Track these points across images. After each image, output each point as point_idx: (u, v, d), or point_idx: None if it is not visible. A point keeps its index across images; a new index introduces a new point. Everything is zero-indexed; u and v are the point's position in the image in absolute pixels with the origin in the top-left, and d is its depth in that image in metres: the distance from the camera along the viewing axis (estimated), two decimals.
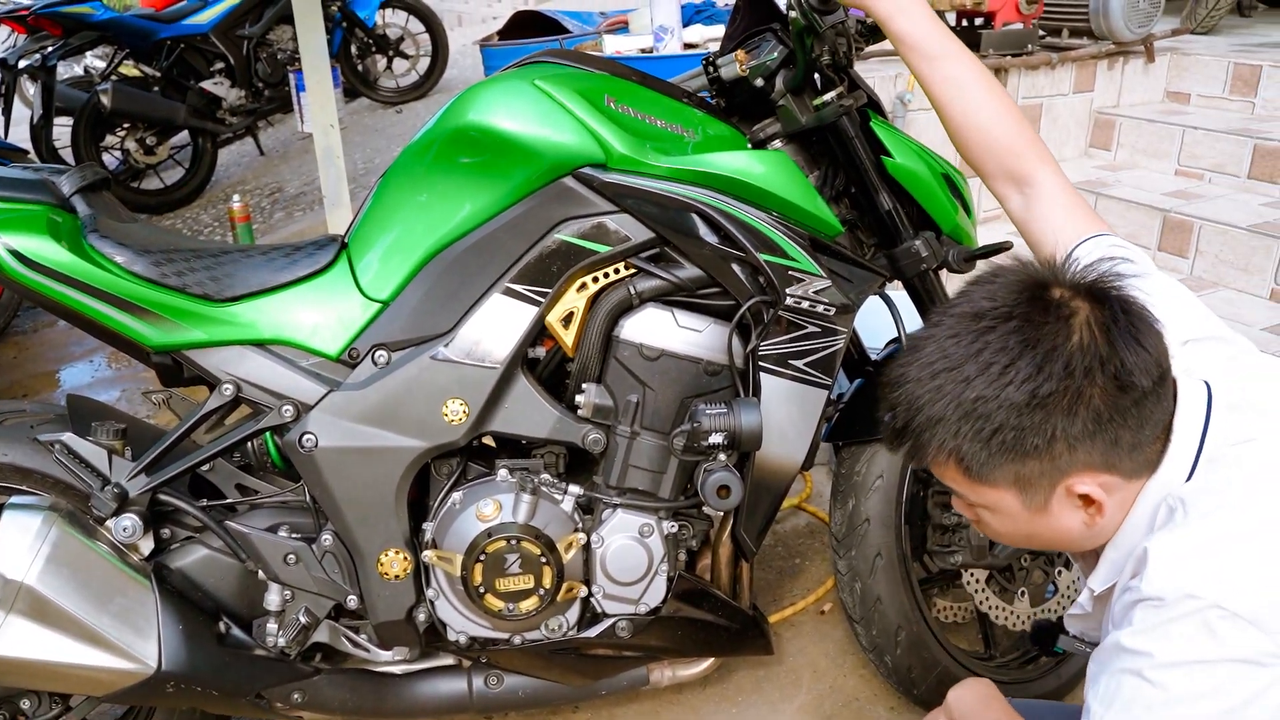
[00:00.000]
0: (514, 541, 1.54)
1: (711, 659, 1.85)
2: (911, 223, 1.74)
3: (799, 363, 1.62)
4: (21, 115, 5.16)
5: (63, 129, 5.10)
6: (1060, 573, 1.99)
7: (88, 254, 1.56)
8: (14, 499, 1.52)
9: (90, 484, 1.56)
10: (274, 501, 1.68)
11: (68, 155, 5.14)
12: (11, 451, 1.64)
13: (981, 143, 1.46)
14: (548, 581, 1.56)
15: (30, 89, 5.22)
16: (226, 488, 1.69)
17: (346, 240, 1.69)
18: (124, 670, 1.52)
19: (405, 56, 6.44)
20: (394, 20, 6.40)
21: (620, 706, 2.05)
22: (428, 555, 1.58)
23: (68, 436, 1.58)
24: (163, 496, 1.61)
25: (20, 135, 5.04)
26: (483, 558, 1.54)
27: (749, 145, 1.68)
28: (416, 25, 6.41)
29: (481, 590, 1.55)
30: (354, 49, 6.13)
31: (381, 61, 6.38)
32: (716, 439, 1.52)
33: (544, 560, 1.55)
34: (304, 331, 1.61)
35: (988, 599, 1.91)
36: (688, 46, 3.71)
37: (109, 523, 1.56)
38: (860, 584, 1.81)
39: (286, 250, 1.69)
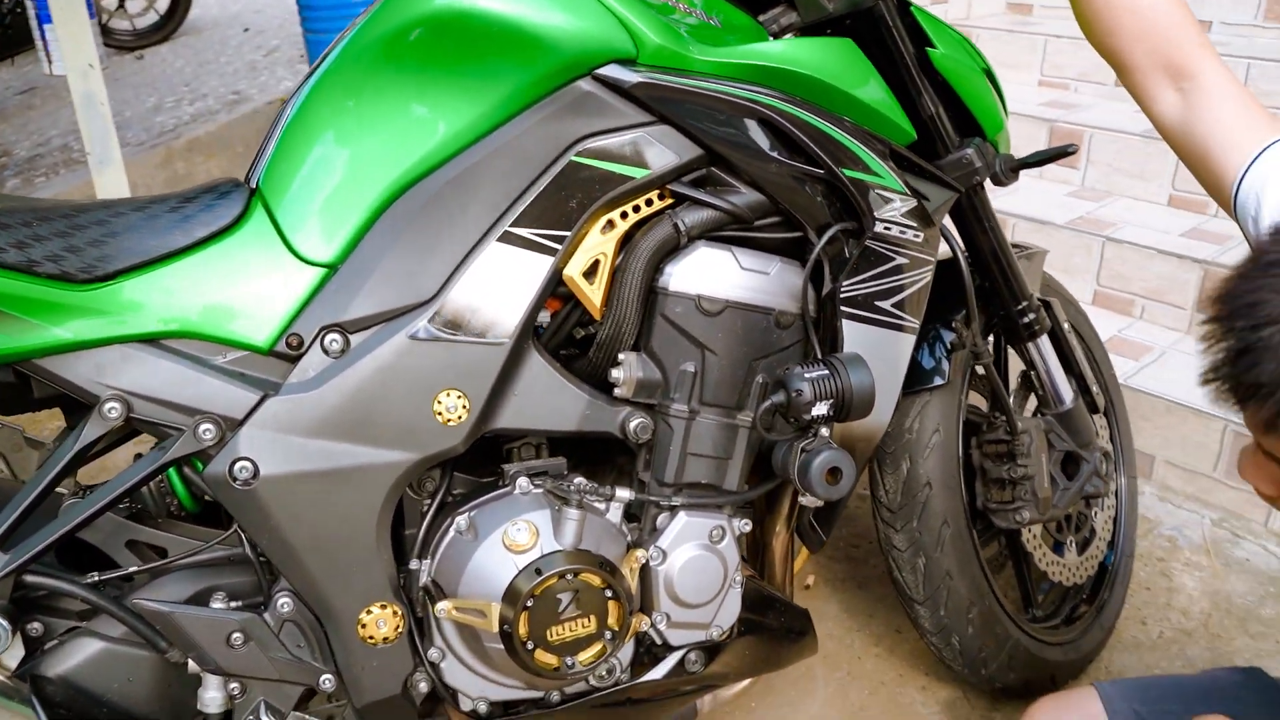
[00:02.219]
0: (571, 575, 1.14)
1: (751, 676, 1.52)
2: (955, 128, 1.46)
3: (886, 303, 1.30)
4: None
5: None
6: (1095, 514, 1.81)
7: None
8: None
9: None
10: (190, 561, 1.19)
11: None
12: None
13: (1134, 24, 1.17)
14: (614, 620, 1.17)
15: None
16: (112, 548, 1.18)
17: (256, 184, 1.20)
18: None
19: None
20: None
21: None
22: (444, 609, 1.15)
23: None
24: (28, 578, 1.09)
25: None
26: (530, 603, 1.13)
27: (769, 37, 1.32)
28: None
29: (530, 646, 1.14)
30: None
31: None
32: (821, 409, 1.18)
33: (609, 593, 1.16)
34: (216, 316, 1.13)
35: (1045, 555, 1.69)
36: None
37: None
38: (924, 559, 1.54)
39: (171, 203, 1.19)
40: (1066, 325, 1.69)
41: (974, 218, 1.52)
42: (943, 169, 1.42)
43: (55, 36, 3.09)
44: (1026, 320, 1.60)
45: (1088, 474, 1.66)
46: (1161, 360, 2.42)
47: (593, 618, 1.16)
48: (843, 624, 1.97)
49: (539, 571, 1.13)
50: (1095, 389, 1.73)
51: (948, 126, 1.44)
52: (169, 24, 5.62)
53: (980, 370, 1.56)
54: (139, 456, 1.16)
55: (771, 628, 1.40)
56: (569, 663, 1.16)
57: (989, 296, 1.58)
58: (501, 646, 1.15)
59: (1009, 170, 1.49)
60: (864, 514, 2.27)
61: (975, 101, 1.46)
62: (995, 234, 1.55)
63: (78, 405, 1.17)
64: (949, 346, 1.54)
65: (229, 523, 1.24)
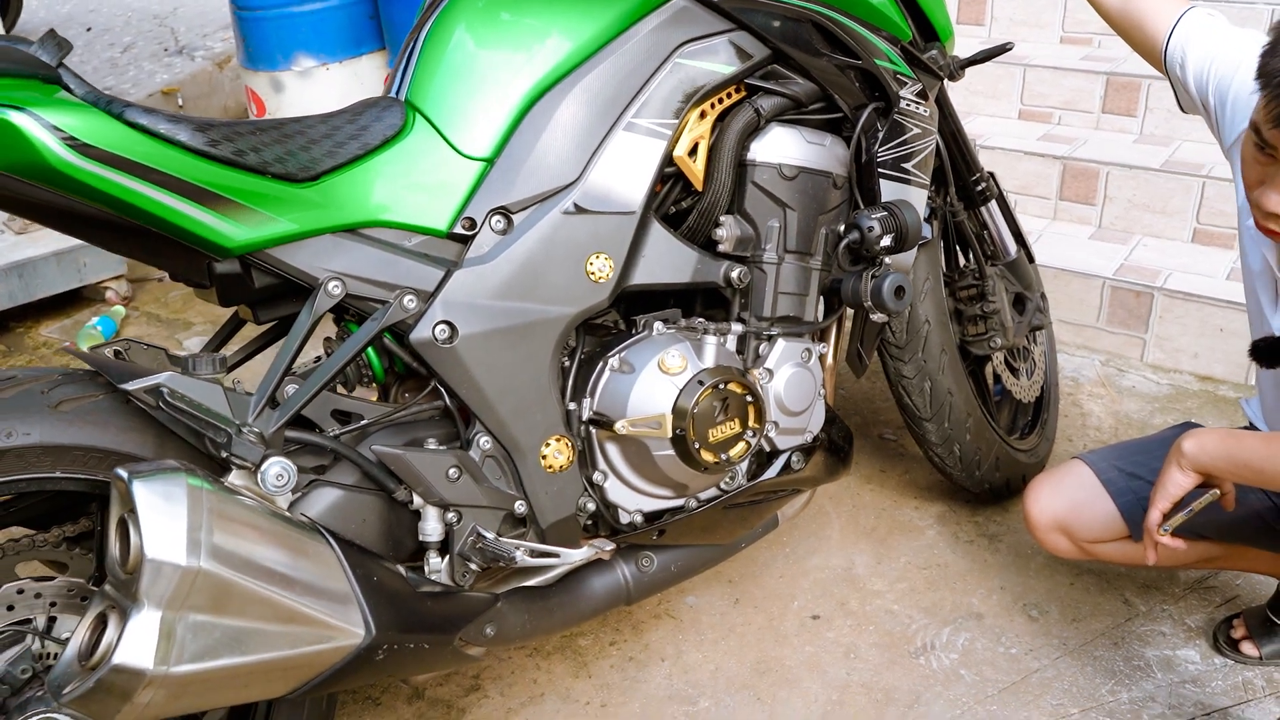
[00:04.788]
0: (723, 384, 1.42)
1: (808, 492, 1.84)
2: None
3: (908, 165, 1.64)
4: None
5: None
6: (1034, 348, 2.22)
7: (145, 133, 1.17)
8: (122, 471, 1.11)
9: (224, 428, 1.20)
10: (398, 418, 1.40)
11: None
12: (35, 428, 1.21)
13: None
14: (753, 420, 1.47)
15: None
16: (320, 416, 1.38)
17: (404, 97, 1.42)
18: (329, 649, 1.20)
19: None
20: None
21: None
22: (622, 426, 1.41)
23: (167, 377, 1.19)
24: (288, 433, 1.28)
25: None
26: (696, 410, 1.41)
27: None
28: None
29: (697, 446, 1.42)
30: None
31: None
32: (887, 241, 1.51)
33: (749, 398, 1.45)
34: (402, 207, 1.35)
35: (1009, 378, 2.09)
36: None
37: (258, 472, 1.21)
38: (930, 383, 1.90)
39: (345, 117, 1.39)
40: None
41: (938, 107, 1.89)
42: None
43: None
44: (980, 188, 1.99)
45: (1032, 309, 2.08)
46: (1041, 240, 2.90)
47: (737, 420, 1.45)
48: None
49: (701, 383, 1.41)
50: (1030, 244, 2.14)
51: (916, 32, 1.79)
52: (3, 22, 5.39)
53: (957, 225, 1.94)
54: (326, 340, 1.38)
55: (834, 440, 1.72)
56: (724, 457, 1.45)
57: (950, 169, 1.96)
58: (670, 452, 1.42)
59: (958, 69, 1.87)
60: None
61: (933, 13, 1.82)
62: (954, 120, 1.92)
63: (284, 295, 1.36)
64: (930, 211, 1.90)
65: (415, 389, 1.47)
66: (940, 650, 1.82)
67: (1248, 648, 1.76)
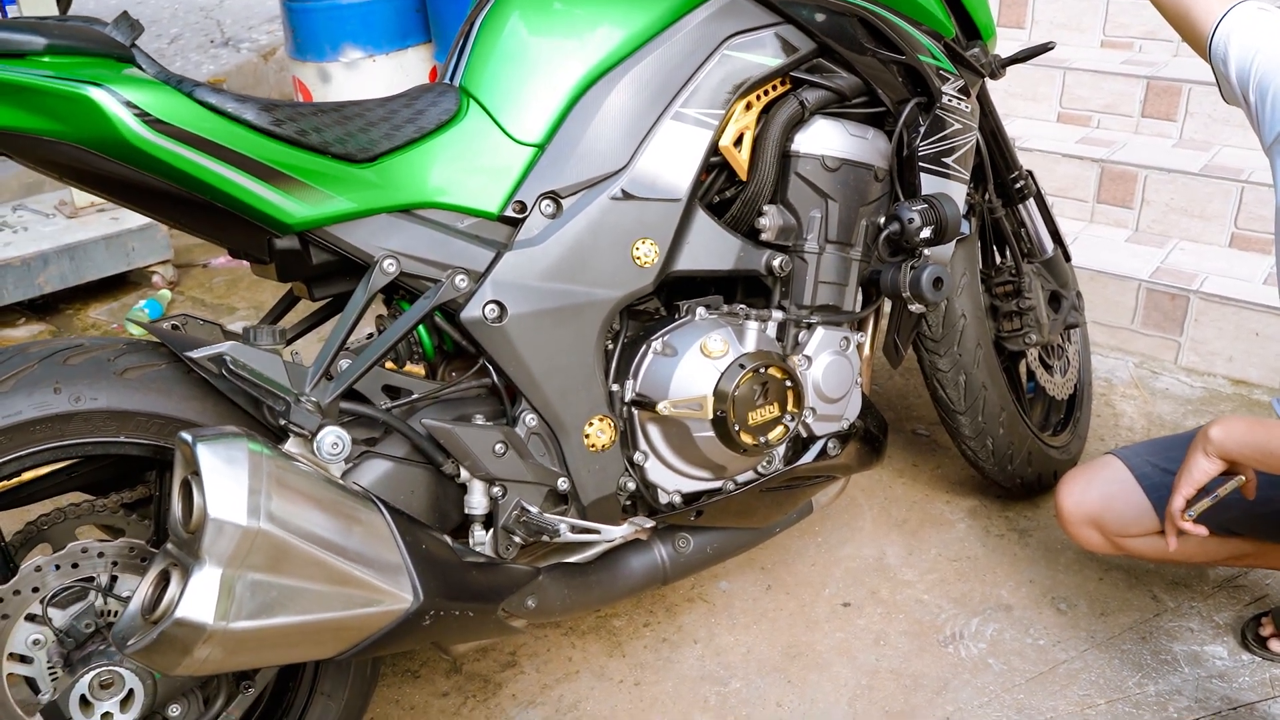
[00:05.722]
0: (763, 369, 1.46)
1: (842, 480, 1.86)
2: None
3: (949, 159, 1.67)
4: None
5: None
6: (1068, 346, 2.24)
7: (214, 111, 1.22)
8: (186, 435, 1.16)
9: (283, 397, 1.24)
10: (447, 394, 1.44)
11: None
12: (101, 394, 1.26)
13: None
14: (792, 404, 1.50)
15: None
16: (371, 391, 1.43)
17: (459, 83, 1.46)
18: (379, 613, 1.24)
19: None
20: None
21: None
22: (665, 407, 1.44)
23: (230, 346, 1.24)
24: (343, 405, 1.33)
25: None
26: (737, 392, 1.44)
27: None
28: None
29: (736, 428, 1.45)
30: None
31: None
32: (926, 233, 1.54)
33: (789, 383, 1.49)
34: (455, 189, 1.39)
35: (1043, 375, 2.11)
36: None
37: (314, 440, 1.26)
38: (965, 376, 1.92)
39: (403, 101, 1.44)
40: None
41: (979, 104, 1.91)
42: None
43: (19, 10, 3.13)
44: (1018, 186, 2.01)
45: (1068, 307, 2.09)
46: (1077, 242, 2.91)
47: (776, 404, 1.49)
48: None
49: (742, 366, 1.44)
50: (1068, 244, 2.16)
51: (959, 30, 1.81)
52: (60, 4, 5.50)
53: (993, 221, 1.97)
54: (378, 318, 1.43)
55: (869, 430, 1.75)
56: (763, 440, 1.48)
57: (989, 167, 1.98)
58: (710, 434, 1.46)
59: (999, 67, 1.89)
60: None
61: (976, 11, 1.84)
62: (994, 118, 1.95)
63: (339, 272, 1.40)
64: (969, 207, 1.93)
65: (462, 367, 1.51)
66: (969, 640, 1.84)
67: (1276, 645, 1.77)
